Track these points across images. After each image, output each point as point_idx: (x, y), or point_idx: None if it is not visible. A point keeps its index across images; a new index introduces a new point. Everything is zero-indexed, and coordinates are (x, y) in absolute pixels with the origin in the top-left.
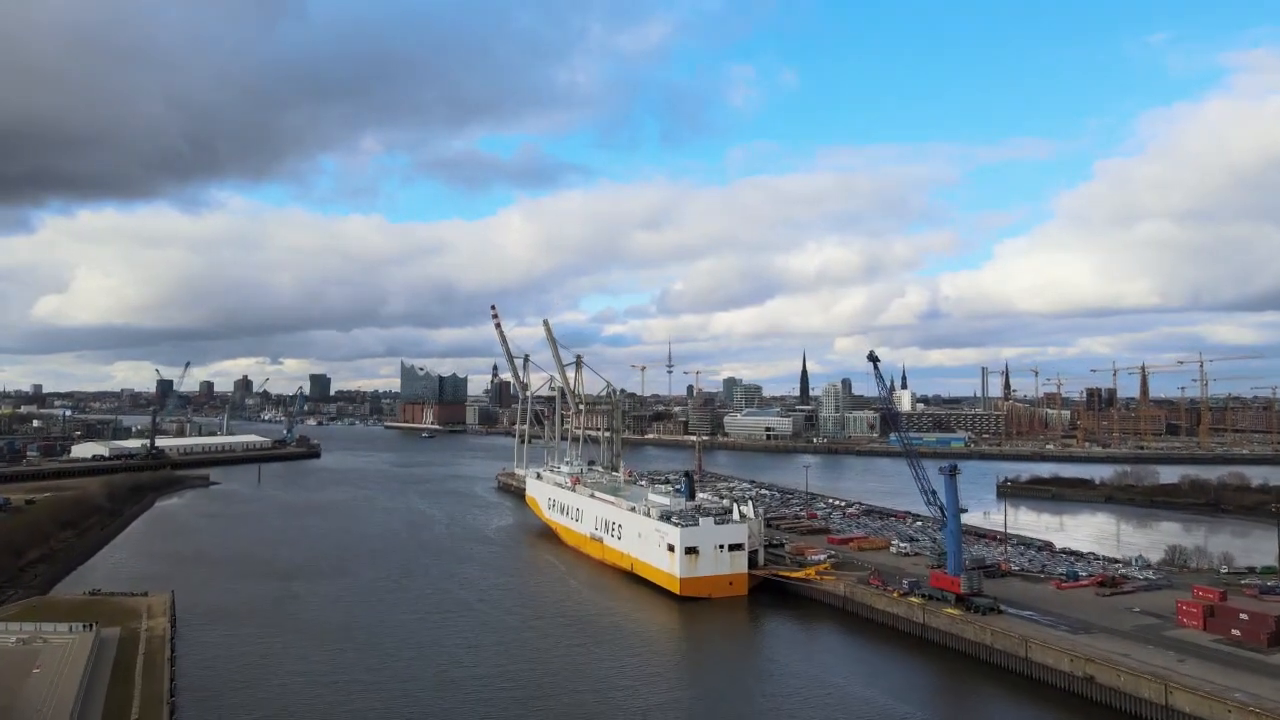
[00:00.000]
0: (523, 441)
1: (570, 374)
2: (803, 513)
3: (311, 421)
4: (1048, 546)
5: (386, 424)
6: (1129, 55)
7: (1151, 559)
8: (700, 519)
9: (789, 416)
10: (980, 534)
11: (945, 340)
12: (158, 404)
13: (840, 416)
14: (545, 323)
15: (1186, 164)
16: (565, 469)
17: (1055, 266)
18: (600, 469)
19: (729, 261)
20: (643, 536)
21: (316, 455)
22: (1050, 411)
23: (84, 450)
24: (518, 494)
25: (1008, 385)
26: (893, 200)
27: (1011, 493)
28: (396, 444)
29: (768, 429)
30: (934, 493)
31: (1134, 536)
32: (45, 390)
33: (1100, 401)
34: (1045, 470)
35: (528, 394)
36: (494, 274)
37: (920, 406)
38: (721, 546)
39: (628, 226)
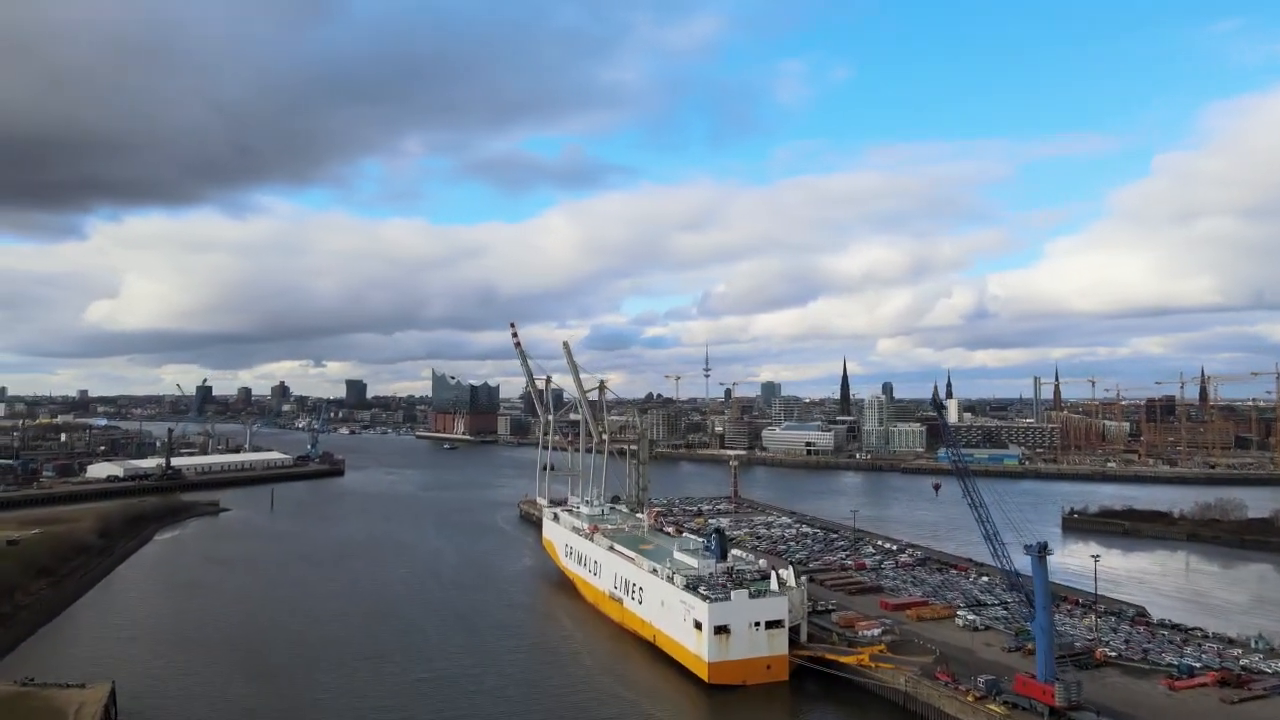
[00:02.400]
0: (544, 470)
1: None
2: (849, 560)
3: (344, 430)
4: (1142, 616)
5: (418, 434)
6: (1192, 45)
7: (1264, 629)
8: (733, 592)
9: (830, 430)
10: (1059, 595)
11: (991, 341)
12: (194, 410)
13: (884, 430)
14: (565, 345)
15: (1252, 158)
16: (584, 509)
17: (1109, 265)
18: (624, 508)
19: (771, 263)
20: (666, 606)
21: (340, 473)
22: (1109, 423)
23: (99, 470)
24: (539, 524)
25: (1058, 393)
26: (941, 199)
27: (1079, 526)
28: (424, 458)
29: (808, 444)
30: (994, 535)
31: (1231, 591)
32: (91, 394)
33: (1159, 411)
34: (1109, 493)
35: (549, 418)
36: (535, 277)
37: (968, 417)
38: (757, 624)
39: (670, 228)
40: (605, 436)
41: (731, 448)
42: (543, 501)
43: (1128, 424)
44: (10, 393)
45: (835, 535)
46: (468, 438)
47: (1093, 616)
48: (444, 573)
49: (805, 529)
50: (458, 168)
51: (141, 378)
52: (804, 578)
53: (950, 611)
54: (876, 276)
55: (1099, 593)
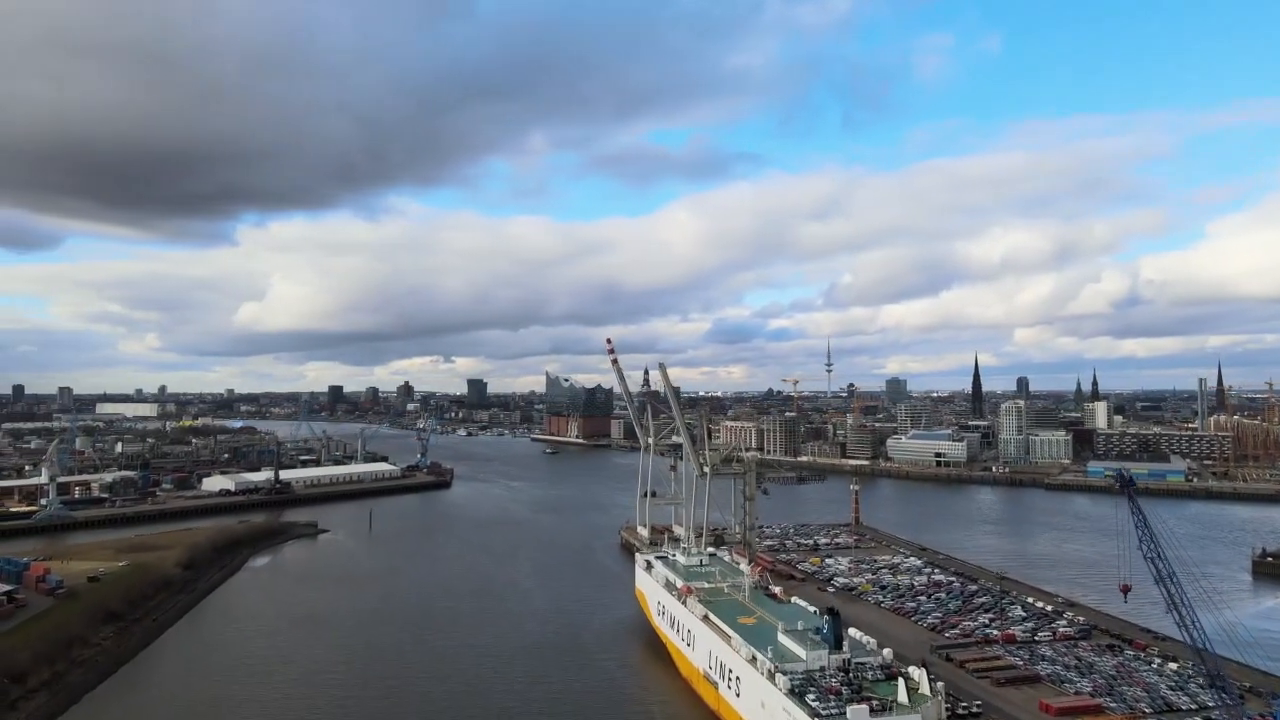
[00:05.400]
0: (645, 497)
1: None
2: (994, 627)
3: (461, 432)
4: None
5: (533, 436)
6: None
7: None
8: (849, 708)
9: (961, 440)
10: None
11: (1143, 329)
12: (328, 410)
13: (1024, 439)
14: (661, 367)
15: None
16: (680, 558)
17: None
18: (727, 554)
19: (902, 251)
20: (767, 709)
21: (447, 485)
22: None
23: (212, 484)
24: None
25: (1221, 385)
26: (1092, 178)
27: (1272, 572)
28: (535, 465)
29: (938, 454)
30: (1180, 598)
31: None
32: (238, 392)
33: None
34: None
35: (650, 441)
36: (657, 271)
37: (1119, 420)
38: None
39: (796, 218)
40: (708, 470)
41: (854, 457)
42: (643, 531)
43: None
44: (170, 390)
45: (975, 588)
46: (580, 441)
47: None
48: (530, 628)
49: (938, 574)
50: (582, 163)
51: (286, 374)
52: (940, 684)
53: None
54: (1016, 263)
55: None
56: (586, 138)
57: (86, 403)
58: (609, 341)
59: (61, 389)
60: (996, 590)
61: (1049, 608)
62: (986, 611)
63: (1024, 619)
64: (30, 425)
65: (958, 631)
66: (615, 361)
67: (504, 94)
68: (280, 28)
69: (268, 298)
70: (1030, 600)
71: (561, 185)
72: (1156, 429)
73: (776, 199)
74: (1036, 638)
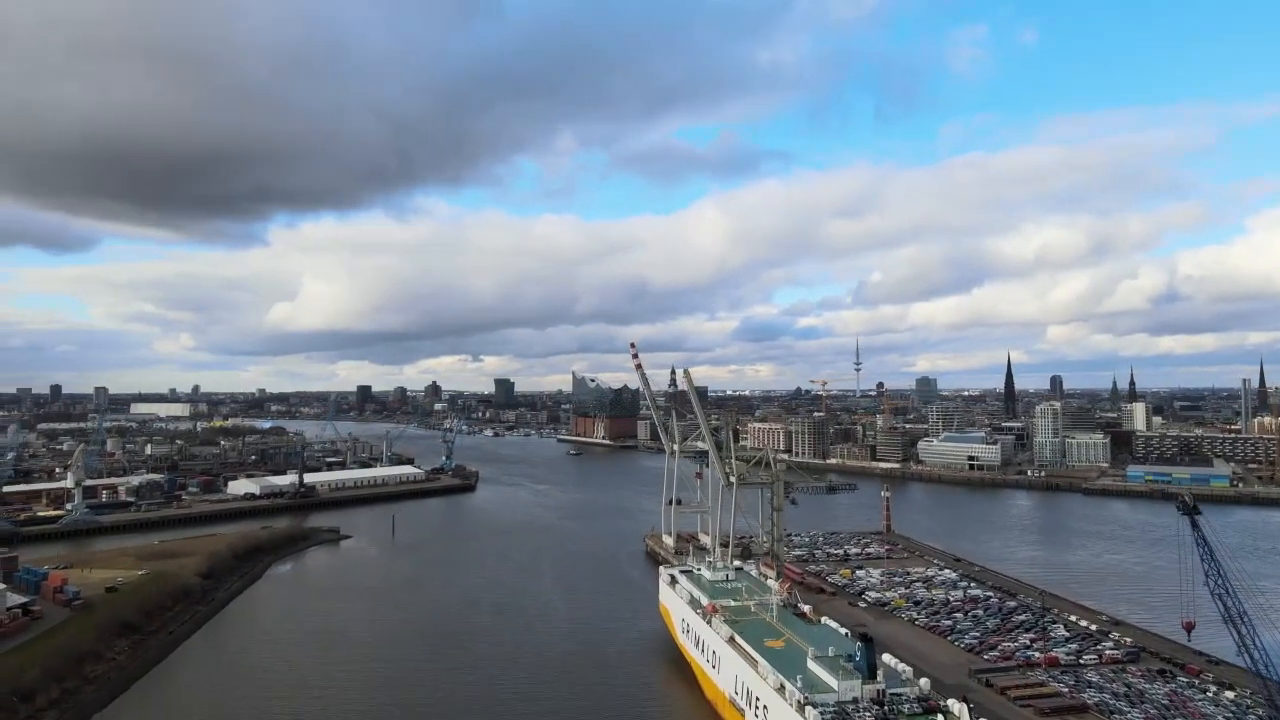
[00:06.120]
0: (670, 504)
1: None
2: (1036, 648)
3: (488, 432)
4: None
5: (559, 437)
6: None
7: None
8: None
9: (995, 442)
10: None
11: (1180, 325)
12: (357, 410)
13: (1059, 442)
14: (686, 373)
15: None
16: (705, 573)
17: None
18: (754, 567)
19: (933, 248)
20: None
21: (471, 488)
22: None
23: (238, 488)
24: (663, 564)
25: (1264, 384)
26: (1129, 173)
27: None
28: (561, 467)
29: (971, 457)
30: (1241, 615)
31: None
32: (270, 391)
33: None
34: None
35: (675, 447)
36: (684, 269)
37: (1158, 422)
38: None
39: (825, 215)
40: (734, 480)
41: (884, 460)
42: (668, 540)
43: None
44: (204, 389)
45: (1014, 604)
46: (606, 442)
47: None
48: (551, 645)
49: (974, 588)
50: (609, 161)
51: (318, 373)
52: None
53: None
54: (1050, 259)
55: None
56: (614, 135)
57: (121, 402)
58: (633, 346)
59: (97, 389)
60: (1037, 607)
61: (1093, 627)
62: (1027, 631)
63: (1067, 639)
64: (65, 426)
65: (997, 653)
66: (639, 367)
67: (532, 93)
68: (310, 28)
69: (299, 297)
70: (1073, 618)
71: (589, 184)
72: (1198, 431)
73: (806, 196)
74: (1082, 661)
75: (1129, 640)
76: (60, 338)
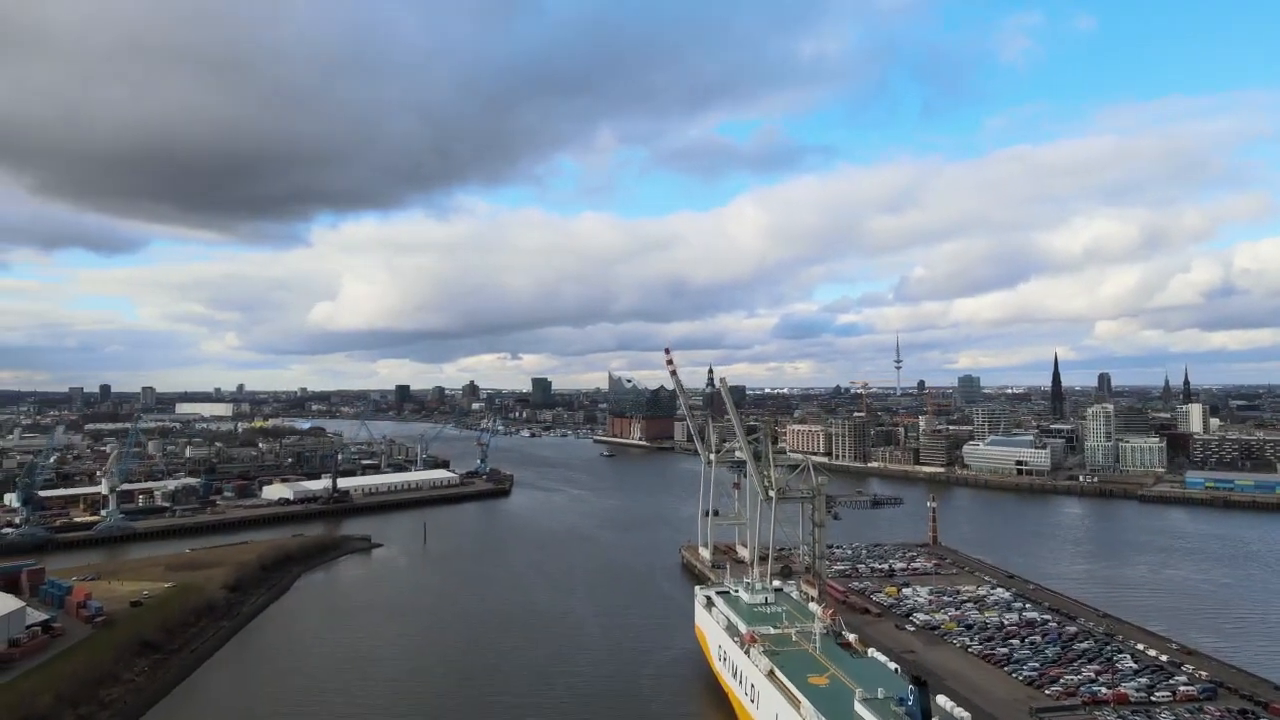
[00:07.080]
0: (706, 515)
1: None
2: (1102, 682)
3: (525, 433)
4: None
5: (595, 438)
6: None
7: None
8: None
9: (1045, 447)
10: None
11: (1236, 320)
12: (395, 410)
13: (1112, 446)
14: (723, 381)
15: None
16: (744, 595)
17: None
18: (794, 590)
19: (977, 243)
20: None
21: (506, 493)
22: None
23: (272, 493)
24: (700, 578)
25: None
26: (1184, 163)
27: None
28: (597, 470)
29: (1019, 462)
30: None
31: None
32: (312, 390)
33: None
34: None
35: (711, 456)
36: (724, 266)
37: (1216, 424)
38: None
39: (866, 210)
40: (773, 494)
41: (927, 464)
42: (705, 553)
43: None
44: (248, 388)
45: (1074, 629)
46: (643, 444)
47: None
48: (583, 669)
49: (1029, 610)
50: (650, 158)
51: (359, 371)
52: None
53: None
54: (1100, 253)
55: None
56: (654, 132)
57: (168, 402)
58: (667, 352)
59: (145, 389)
60: (1100, 633)
61: (1164, 657)
62: (1090, 661)
63: (1135, 672)
64: (111, 426)
65: (1059, 688)
66: (674, 373)
67: (572, 90)
68: (350, 29)
69: (340, 297)
70: (1140, 646)
71: (628, 181)
72: (1259, 433)
73: (847, 191)
74: (1153, 698)
75: (1204, 674)
76: (111, 338)
